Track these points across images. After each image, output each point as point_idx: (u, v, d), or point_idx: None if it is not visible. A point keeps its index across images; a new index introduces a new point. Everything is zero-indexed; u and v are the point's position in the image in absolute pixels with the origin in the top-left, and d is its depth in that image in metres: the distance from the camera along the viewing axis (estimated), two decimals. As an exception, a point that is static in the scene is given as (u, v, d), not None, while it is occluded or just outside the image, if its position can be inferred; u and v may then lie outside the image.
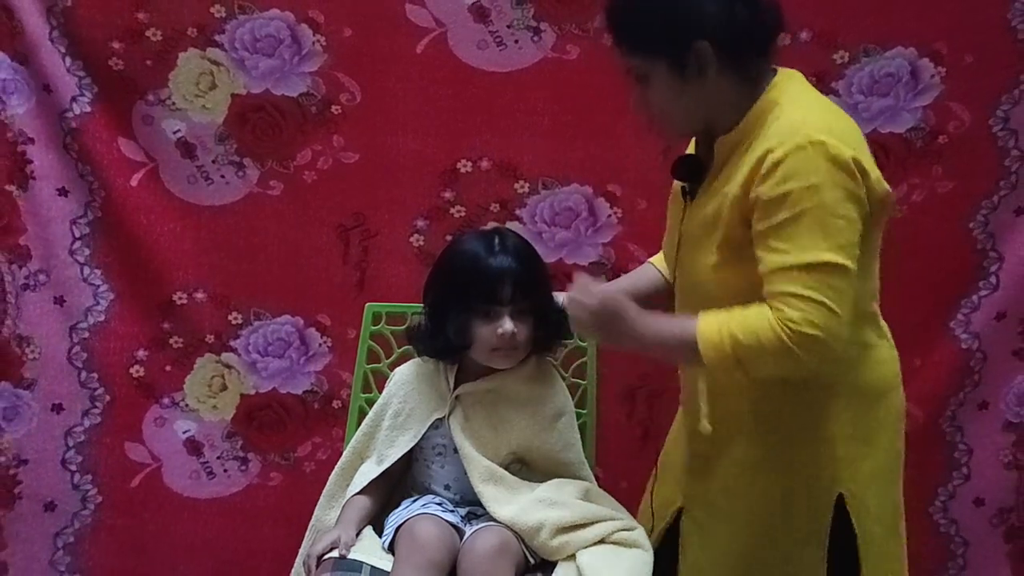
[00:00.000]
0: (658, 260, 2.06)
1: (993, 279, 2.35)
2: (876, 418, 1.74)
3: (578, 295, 1.69)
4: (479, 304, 1.87)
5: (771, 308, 1.54)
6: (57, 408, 2.40)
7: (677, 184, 1.83)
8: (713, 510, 1.82)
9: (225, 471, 2.46)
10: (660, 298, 2.08)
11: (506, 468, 1.92)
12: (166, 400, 2.43)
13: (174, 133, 2.34)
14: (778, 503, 1.74)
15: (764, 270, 1.56)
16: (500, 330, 1.85)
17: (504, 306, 1.86)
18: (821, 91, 2.20)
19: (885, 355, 1.78)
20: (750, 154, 1.60)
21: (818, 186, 1.52)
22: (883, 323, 1.80)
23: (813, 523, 1.73)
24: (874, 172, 1.59)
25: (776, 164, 1.54)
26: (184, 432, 2.44)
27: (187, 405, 2.43)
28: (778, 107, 1.62)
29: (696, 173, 1.75)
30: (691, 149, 1.85)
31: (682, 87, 1.63)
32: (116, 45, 2.28)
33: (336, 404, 2.42)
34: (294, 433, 2.45)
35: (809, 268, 1.52)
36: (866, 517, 1.72)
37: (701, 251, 1.71)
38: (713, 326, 1.58)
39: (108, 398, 2.41)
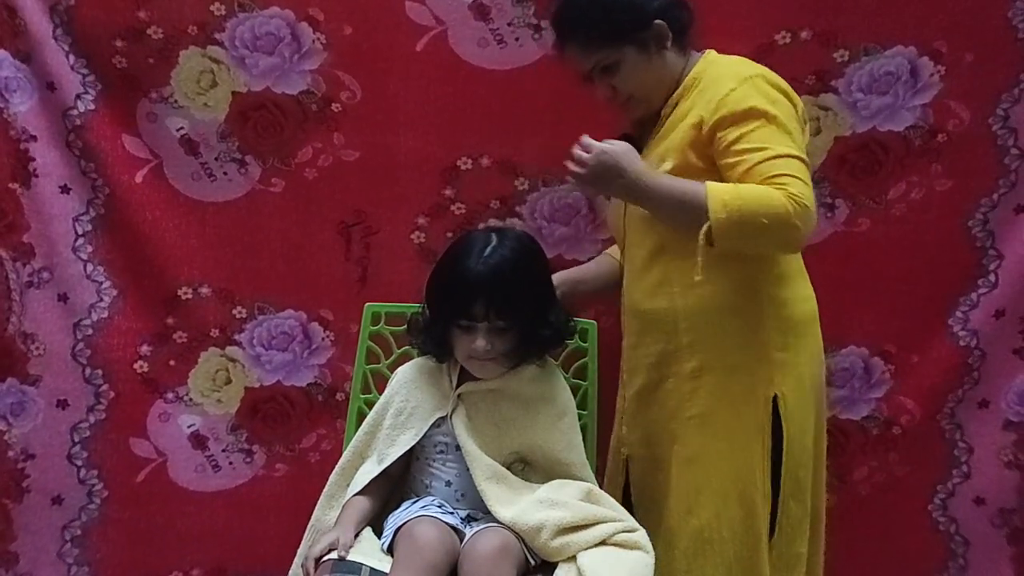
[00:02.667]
0: (614, 251, 2.24)
1: (992, 277, 2.35)
2: (801, 343, 1.96)
3: (576, 150, 1.85)
4: (456, 317, 1.87)
5: (774, 187, 1.74)
6: (62, 404, 2.42)
7: None
8: (657, 435, 2.01)
9: (230, 464, 2.47)
10: (616, 282, 2.18)
11: (508, 467, 1.92)
12: (170, 395, 2.44)
13: (177, 130, 2.35)
14: (723, 402, 1.93)
15: (748, 166, 1.78)
16: (472, 346, 1.86)
17: (479, 322, 1.85)
18: (821, 89, 2.31)
19: (807, 293, 2.01)
20: (696, 99, 1.90)
21: (774, 102, 1.83)
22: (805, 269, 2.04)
23: (755, 420, 1.92)
24: (797, 99, 1.93)
25: (729, 92, 1.84)
26: (189, 426, 2.46)
27: (191, 399, 2.45)
28: (713, 65, 1.95)
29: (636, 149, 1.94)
30: None
31: (648, 63, 1.93)
32: (119, 43, 2.29)
33: (339, 397, 2.44)
34: (298, 425, 2.47)
35: (792, 157, 1.78)
36: (791, 422, 1.92)
37: None
38: (726, 186, 1.78)
39: (112, 394, 2.43)
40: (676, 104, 1.95)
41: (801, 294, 1.99)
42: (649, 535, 1.87)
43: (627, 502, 2.05)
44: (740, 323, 1.92)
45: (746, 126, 1.81)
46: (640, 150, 1.93)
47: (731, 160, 1.81)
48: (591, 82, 1.99)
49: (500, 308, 1.84)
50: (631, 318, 2.07)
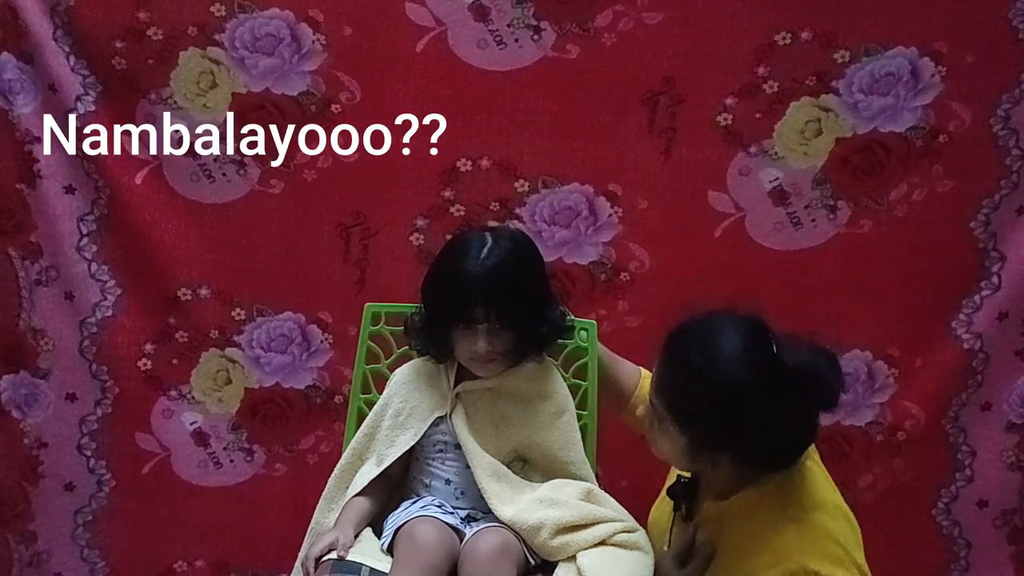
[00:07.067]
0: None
1: (995, 279, 2.33)
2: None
3: None
4: (455, 319, 1.85)
5: None
6: (71, 397, 2.47)
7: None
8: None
9: (231, 462, 2.51)
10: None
11: (507, 466, 1.91)
12: (173, 392, 2.47)
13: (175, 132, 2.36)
14: None
15: None
16: (473, 348, 1.85)
17: (479, 323, 1.83)
18: (821, 90, 2.27)
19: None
20: (754, 548, 1.67)
21: None
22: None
23: None
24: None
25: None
26: (191, 424, 2.49)
27: (193, 397, 2.48)
28: (786, 510, 1.69)
29: (693, 494, 1.85)
30: None
31: (691, 455, 1.72)
32: (119, 44, 2.30)
33: (338, 399, 2.45)
34: (297, 427, 2.49)
35: None
36: None
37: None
38: None
39: (118, 389, 2.46)
40: (728, 515, 1.75)
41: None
42: None
43: None
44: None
45: None
46: (695, 497, 1.86)
47: None
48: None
49: (500, 309, 1.83)
50: None
